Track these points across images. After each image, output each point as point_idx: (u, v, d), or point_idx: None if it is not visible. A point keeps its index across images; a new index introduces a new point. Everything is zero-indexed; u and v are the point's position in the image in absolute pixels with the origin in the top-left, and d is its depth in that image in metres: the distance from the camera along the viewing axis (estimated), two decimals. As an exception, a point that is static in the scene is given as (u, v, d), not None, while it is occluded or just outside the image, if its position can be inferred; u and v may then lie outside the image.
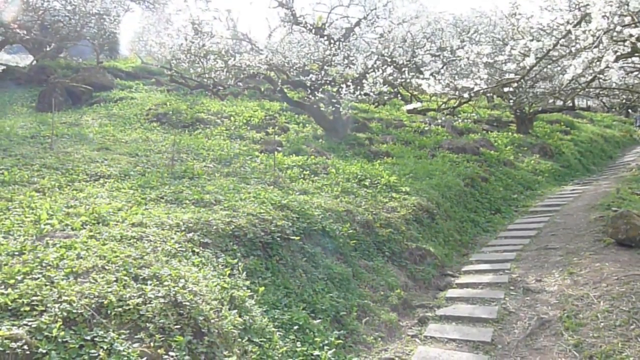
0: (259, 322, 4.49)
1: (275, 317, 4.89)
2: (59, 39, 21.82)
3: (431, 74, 8.80)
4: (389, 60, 13.92)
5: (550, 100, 17.62)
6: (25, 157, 8.05)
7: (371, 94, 12.76)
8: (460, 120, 15.59)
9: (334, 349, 4.78)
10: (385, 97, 15.41)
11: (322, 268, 6.29)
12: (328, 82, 14.46)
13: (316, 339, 4.86)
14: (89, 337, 3.11)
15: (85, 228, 4.91)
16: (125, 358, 3.04)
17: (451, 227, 9.71)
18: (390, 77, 13.34)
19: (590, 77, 8.05)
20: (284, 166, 10.20)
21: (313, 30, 15.29)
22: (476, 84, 7.26)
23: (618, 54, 5.72)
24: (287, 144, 13.25)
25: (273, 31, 17.61)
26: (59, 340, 3.01)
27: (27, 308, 3.20)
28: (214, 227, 5.70)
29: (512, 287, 6.78)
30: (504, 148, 16.70)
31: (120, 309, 3.42)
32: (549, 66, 9.72)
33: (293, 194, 8.17)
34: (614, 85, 12.60)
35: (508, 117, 21.43)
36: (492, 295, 6.57)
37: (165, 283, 3.90)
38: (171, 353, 3.29)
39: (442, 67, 11.45)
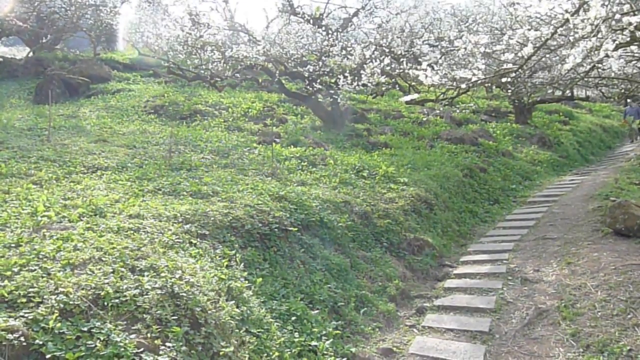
0: (257, 313, 4.50)
1: (273, 307, 4.89)
2: (55, 31, 21.71)
3: (429, 65, 8.74)
4: (387, 50, 13.85)
5: (549, 91, 17.57)
6: (22, 150, 8.02)
7: (369, 84, 12.71)
8: (458, 111, 15.59)
9: (331, 340, 4.80)
10: (384, 88, 15.35)
11: (320, 259, 6.30)
12: (326, 73, 14.40)
13: (314, 329, 4.87)
14: (85, 329, 3.10)
15: (82, 220, 4.90)
16: (122, 349, 3.03)
17: (449, 217, 9.71)
18: (388, 68, 13.27)
19: (589, 67, 8.01)
20: (282, 157, 10.18)
21: (311, 21, 15.22)
22: (474, 75, 7.21)
23: (617, 42, 5.68)
24: (285, 135, 13.22)
25: (271, 22, 17.55)
26: (56, 331, 3.01)
27: (24, 300, 3.19)
28: (212, 219, 5.69)
29: (510, 277, 6.79)
30: (503, 138, 16.67)
31: (117, 301, 3.42)
32: (547, 56, 9.67)
33: (291, 185, 8.17)
34: (612, 74, 12.55)
35: (507, 107, 21.38)
36: (490, 286, 6.59)
37: (162, 274, 3.89)
38: (168, 344, 3.29)
39: (440, 58, 11.39)
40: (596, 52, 5.54)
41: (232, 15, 17.52)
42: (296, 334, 4.67)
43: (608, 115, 26.19)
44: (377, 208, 8.23)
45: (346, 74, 13.23)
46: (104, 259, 3.93)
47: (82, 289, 3.41)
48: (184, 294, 3.75)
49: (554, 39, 6.57)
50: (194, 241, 5.11)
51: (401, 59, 13.52)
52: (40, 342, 2.90)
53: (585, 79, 12.80)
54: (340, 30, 15.46)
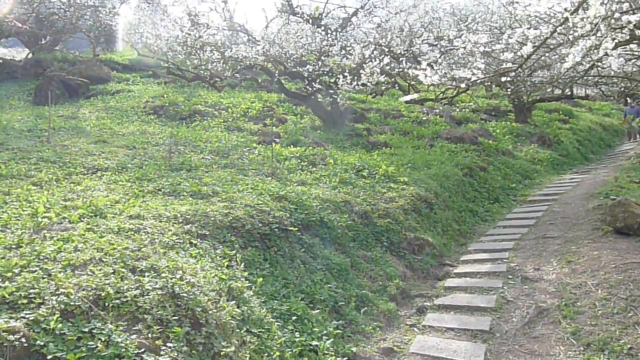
0: (258, 313, 4.50)
1: (274, 307, 4.90)
2: (54, 32, 21.69)
3: (428, 64, 8.75)
4: (387, 50, 13.86)
5: (549, 89, 17.59)
6: (22, 151, 8.02)
7: (369, 84, 12.72)
8: (458, 110, 15.58)
9: (332, 339, 4.80)
10: (383, 88, 15.37)
11: (320, 259, 6.30)
12: (325, 72, 14.40)
13: (315, 329, 4.87)
14: (86, 329, 3.11)
15: (82, 221, 4.90)
16: (123, 350, 3.03)
17: (449, 216, 9.71)
18: (388, 67, 13.28)
19: (588, 65, 8.02)
20: (282, 157, 10.18)
21: (310, 21, 15.22)
22: (473, 74, 7.22)
23: (616, 41, 5.68)
24: (285, 135, 13.22)
25: (270, 22, 17.55)
26: (57, 332, 3.01)
27: (25, 301, 3.19)
28: (212, 219, 5.69)
29: (510, 276, 6.79)
30: (503, 137, 16.68)
31: (117, 301, 3.42)
32: (546, 54, 9.68)
33: (291, 185, 8.17)
34: (612, 73, 12.56)
35: (506, 106, 21.39)
36: (491, 285, 6.59)
37: (163, 275, 3.90)
38: (169, 344, 3.29)
39: (440, 57, 11.39)
40: (595, 50, 5.54)
41: (231, 15, 17.52)
42: (297, 334, 4.67)
43: (608, 114, 26.19)
44: (377, 207, 8.23)
45: (346, 74, 13.23)
46: (104, 259, 3.93)
47: (83, 289, 3.41)
48: (185, 294, 3.75)
49: (553, 37, 6.58)
50: (194, 241, 5.12)
51: (400, 59, 13.53)
52: (42, 343, 2.90)
53: (585, 78, 12.82)
54: (339, 29, 15.47)
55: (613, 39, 5.50)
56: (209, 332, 3.64)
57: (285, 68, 15.02)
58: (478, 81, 7.96)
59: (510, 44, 6.96)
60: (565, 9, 5.47)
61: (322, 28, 14.74)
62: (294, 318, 4.89)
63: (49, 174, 6.80)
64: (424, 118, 17.25)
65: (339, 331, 5.08)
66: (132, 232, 4.77)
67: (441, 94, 11.59)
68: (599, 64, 8.33)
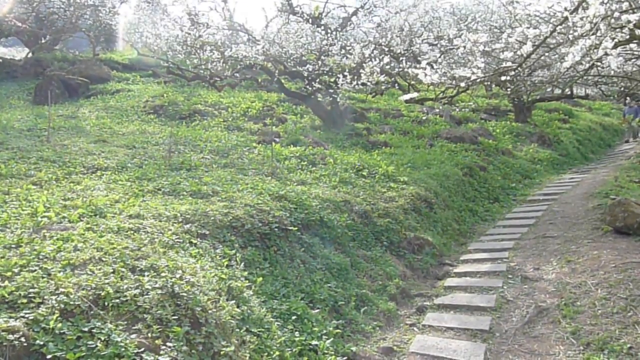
0: (257, 313, 4.50)
1: (274, 307, 4.90)
2: (54, 31, 21.70)
3: (428, 63, 8.75)
4: (386, 49, 13.85)
5: (549, 89, 17.60)
6: (22, 150, 8.02)
7: (369, 83, 12.73)
8: (458, 110, 15.58)
9: (332, 339, 4.80)
10: (383, 87, 15.37)
11: (320, 258, 6.30)
12: (325, 72, 14.40)
13: (314, 328, 4.87)
14: (86, 329, 3.10)
15: (82, 220, 4.90)
16: (123, 349, 3.03)
17: (449, 216, 9.71)
18: (388, 67, 13.28)
19: (588, 65, 8.02)
20: (281, 157, 10.18)
21: (310, 20, 15.22)
22: (473, 73, 7.21)
23: (616, 40, 5.68)
24: (284, 134, 13.22)
25: (270, 21, 17.54)
26: (57, 332, 3.01)
27: (25, 300, 3.19)
28: (212, 218, 5.69)
29: (510, 276, 6.79)
30: (503, 137, 16.68)
31: (117, 301, 3.42)
32: (546, 54, 9.68)
33: (291, 184, 8.17)
34: (612, 72, 12.57)
35: (506, 106, 21.39)
36: (490, 284, 6.59)
37: (163, 274, 3.89)
38: (169, 344, 3.29)
39: (440, 56, 11.40)
40: (595, 50, 5.54)
41: (231, 14, 17.54)
42: (297, 333, 4.67)
43: (608, 114, 26.19)
44: (377, 207, 8.23)
45: (345, 73, 13.23)
46: (104, 259, 3.93)
47: (83, 289, 3.41)
48: (185, 294, 3.75)
49: (553, 37, 6.57)
50: (194, 241, 5.11)
51: (400, 58, 13.53)
52: (41, 343, 2.90)
53: (585, 77, 12.83)
54: (339, 29, 15.47)
55: (613, 39, 5.50)
56: (208, 332, 3.64)
57: (285, 68, 15.02)
58: (478, 80, 7.95)
59: (510, 43, 6.96)
60: (565, 8, 5.47)
61: (322, 27, 14.74)
62: (293, 317, 4.89)
63: (48, 174, 6.79)
64: (424, 117, 17.25)
65: (338, 331, 5.08)
66: (132, 232, 4.77)
67: (441, 94, 11.58)
68: (599, 63, 8.33)
